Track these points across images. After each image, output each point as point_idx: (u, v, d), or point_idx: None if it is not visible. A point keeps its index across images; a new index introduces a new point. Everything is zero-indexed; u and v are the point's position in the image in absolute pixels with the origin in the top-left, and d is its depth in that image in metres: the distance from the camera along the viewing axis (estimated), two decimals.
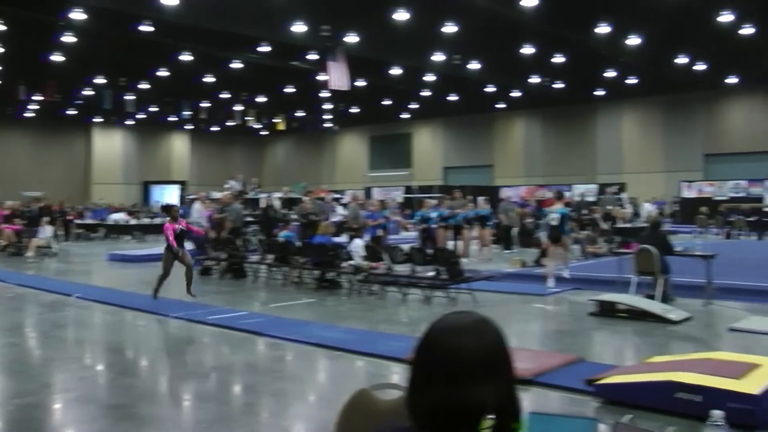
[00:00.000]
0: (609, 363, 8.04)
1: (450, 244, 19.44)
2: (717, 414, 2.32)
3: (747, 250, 23.45)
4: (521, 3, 21.80)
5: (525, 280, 15.94)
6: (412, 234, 22.97)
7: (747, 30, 25.66)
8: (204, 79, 34.23)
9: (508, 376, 1.60)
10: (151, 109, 43.21)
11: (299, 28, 24.30)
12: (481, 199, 23.89)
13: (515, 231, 22.47)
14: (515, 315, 12.01)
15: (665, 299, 11.97)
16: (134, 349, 9.75)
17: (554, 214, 15.25)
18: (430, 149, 51.04)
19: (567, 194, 31.80)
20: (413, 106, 44.52)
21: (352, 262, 14.61)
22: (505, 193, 36.86)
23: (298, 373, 8.37)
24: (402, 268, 14.31)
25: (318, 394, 7.43)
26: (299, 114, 47.44)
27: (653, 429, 5.76)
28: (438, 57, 29.26)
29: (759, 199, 34.68)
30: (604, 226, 22.17)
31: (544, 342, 10.13)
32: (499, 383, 1.56)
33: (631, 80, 35.55)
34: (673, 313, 10.98)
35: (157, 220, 36.17)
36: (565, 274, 15.43)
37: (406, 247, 15.46)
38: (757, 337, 9.89)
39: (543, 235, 18.36)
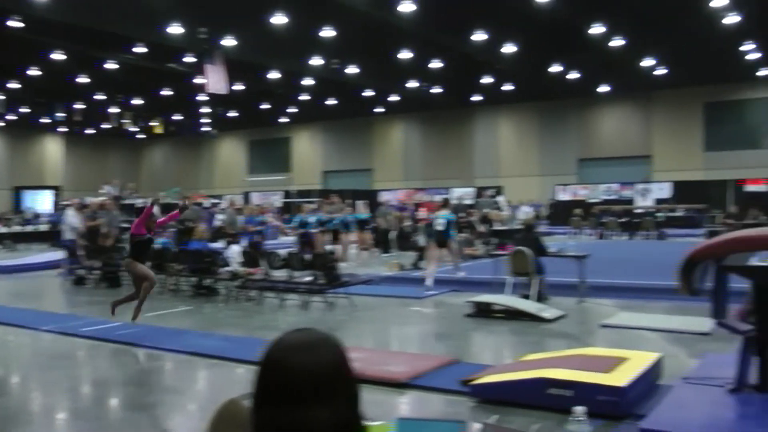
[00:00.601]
0: (485, 363, 8.14)
1: (328, 249, 19.40)
2: (579, 410, 2.35)
3: (618, 249, 24.29)
4: (399, 8, 21.98)
5: (403, 283, 16.02)
6: (291, 239, 22.77)
7: (617, 42, 26.70)
8: (78, 80, 32.95)
9: (350, 395, 1.55)
10: (22, 110, 41.43)
11: (176, 29, 23.80)
12: (360, 203, 23.95)
13: (393, 235, 22.60)
14: (393, 318, 12.06)
15: (540, 299, 12.26)
16: (3, 367, 9.25)
17: (440, 219, 15.51)
18: (309, 153, 50.90)
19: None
20: (292, 110, 44.31)
21: (229, 268, 14.37)
22: (384, 196, 37.17)
23: (175, 384, 8.15)
24: (280, 274, 14.15)
25: (197, 405, 7.23)
26: (177, 117, 46.40)
27: (525, 425, 5.88)
28: (316, 61, 29.20)
29: (630, 201, 36.29)
30: (481, 228, 22.56)
31: (421, 344, 10.19)
32: (339, 403, 1.50)
33: (508, 87, 36.38)
34: (547, 311, 11.24)
35: (29, 228, 34.83)
36: (460, 274, 15.69)
37: (283, 252, 15.32)
38: (626, 331, 10.24)
39: (422, 239, 18.58)
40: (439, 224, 15.48)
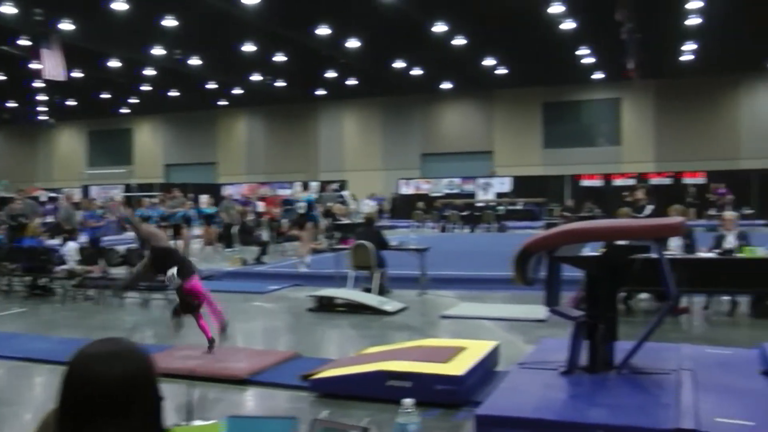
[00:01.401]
0: (326, 357, 8.12)
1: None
2: (407, 402, 2.33)
3: (460, 242, 24.89)
4: (242, 0, 21.66)
5: (246, 278, 15.81)
6: (131, 234, 22.01)
7: (459, 41, 27.31)
8: None
9: (148, 409, 1.45)
10: None
11: (8, 9, 22.36)
12: (204, 197, 23.45)
13: (236, 229, 22.26)
14: (236, 314, 11.78)
15: (382, 292, 12.33)
16: None
17: (301, 202, 15.87)
18: (151, 146, 49.41)
19: (288, 192, 32.03)
20: (134, 100, 42.83)
21: (65, 266, 13.73)
22: (227, 190, 36.56)
23: (9, 394, 7.53)
24: (119, 271, 13.67)
25: (32, 414, 6.72)
26: (11, 105, 43.96)
27: (362, 419, 5.86)
28: (158, 51, 28.36)
29: (471, 195, 37.25)
30: (325, 222, 22.55)
31: (263, 340, 10.07)
32: (135, 418, 1.41)
33: (352, 81, 36.55)
34: (388, 304, 11.33)
35: None
36: (303, 269, 15.68)
37: (122, 248, 14.81)
38: (465, 321, 10.48)
39: (265, 234, 18.46)
40: (301, 207, 15.84)
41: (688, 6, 23.66)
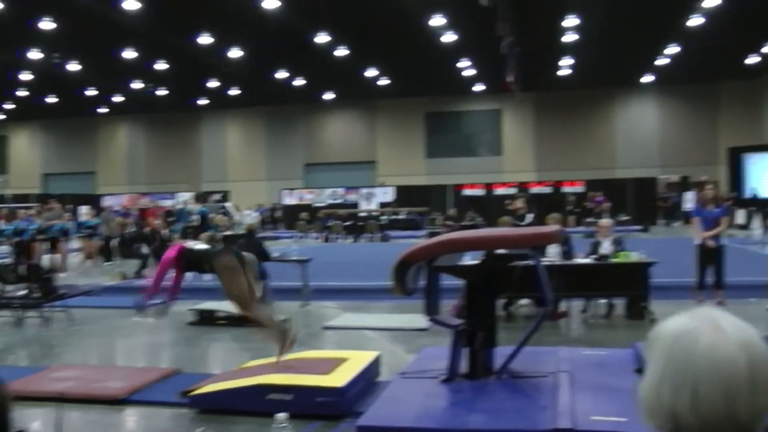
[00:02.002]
0: (208, 372, 7.98)
1: (46, 258, 18.29)
2: (280, 417, 2.29)
3: (343, 252, 24.89)
4: (123, 5, 21.12)
5: (126, 293, 15.30)
6: (3, 249, 21.12)
7: (341, 51, 27.38)
8: None
9: None
10: None
11: None
12: (84, 208, 22.72)
13: (115, 242, 21.64)
14: (115, 331, 11.50)
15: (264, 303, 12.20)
16: None
17: (194, 215, 15.61)
18: (28, 154, 47.48)
19: (170, 203, 31.44)
20: (9, 106, 41.06)
21: None
22: (107, 201, 35.56)
23: None
24: None
25: None
26: None
27: None
28: (35, 54, 27.27)
29: (354, 205, 37.31)
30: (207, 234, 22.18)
31: (143, 357, 9.81)
32: None
33: (234, 91, 36.17)
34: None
35: None
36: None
37: None
38: (348, 332, 10.49)
39: (145, 247, 18.04)
40: (195, 219, 15.61)
41: (565, 23, 24.48)
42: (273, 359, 7.23)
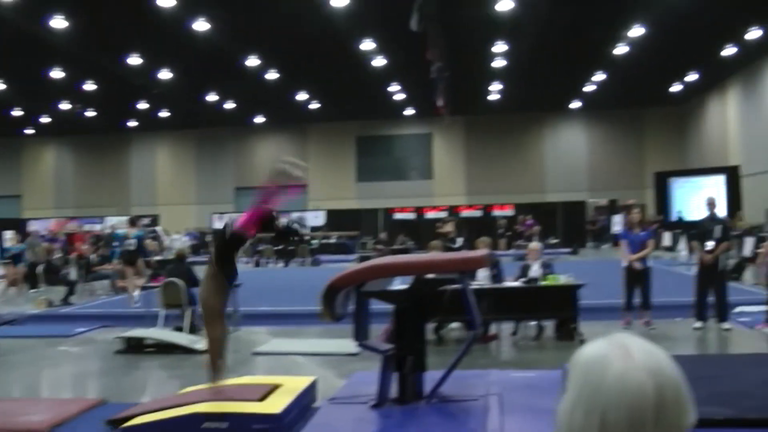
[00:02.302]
0: (136, 401, 7.81)
1: None
2: None
3: (273, 276, 24.74)
4: (51, 23, 20.77)
5: (51, 321, 14.97)
6: None
7: (272, 75, 27.37)
8: None
9: None
10: None
11: None
12: (8, 233, 22.13)
13: (41, 268, 21.09)
14: (39, 361, 11.18)
15: (193, 330, 12.02)
16: None
17: (131, 239, 15.62)
18: None
19: (98, 227, 30.86)
20: None
21: None
22: (33, 226, 34.73)
23: None
24: None
25: None
26: None
27: None
28: None
29: None
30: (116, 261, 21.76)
31: (69, 388, 9.56)
32: None
33: (164, 113, 35.82)
34: (200, 343, 11.02)
35: None
36: (136, 304, 15.17)
37: None
38: (278, 358, 10.41)
39: (73, 272, 17.73)
40: (131, 243, 15.66)
41: (494, 49, 24.89)
42: (206, 386, 7.12)
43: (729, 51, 25.74)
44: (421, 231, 32.05)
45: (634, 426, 1.24)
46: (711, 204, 12.11)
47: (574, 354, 1.37)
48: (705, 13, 21.05)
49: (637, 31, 22.80)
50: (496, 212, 36.27)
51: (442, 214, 33.19)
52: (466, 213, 35.71)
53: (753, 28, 23.25)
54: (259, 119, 38.83)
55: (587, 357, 1.34)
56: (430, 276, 7.01)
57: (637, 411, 1.24)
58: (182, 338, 11.22)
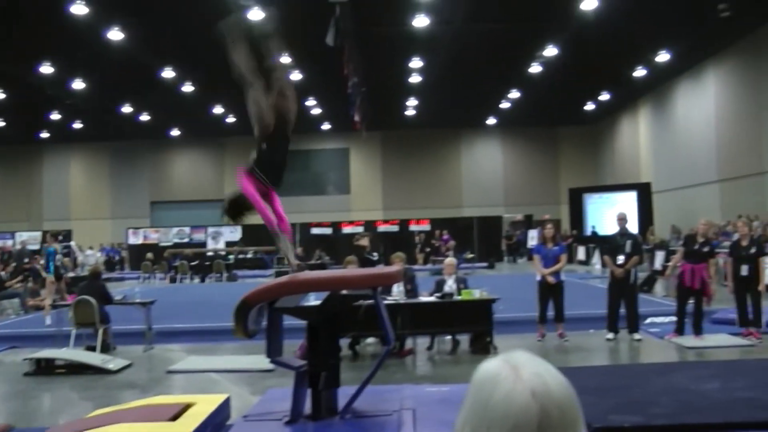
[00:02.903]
0: (44, 426, 7.59)
1: None
2: None
3: (189, 293, 24.38)
4: None
5: None
6: None
7: (188, 87, 27.07)
8: None
9: None
10: None
11: None
12: None
13: None
14: None
15: (106, 349, 11.79)
16: None
17: (59, 255, 15.75)
18: None
19: (9, 242, 30.05)
20: None
21: None
22: None
23: None
24: None
25: None
26: None
27: None
28: None
29: (202, 245, 36.66)
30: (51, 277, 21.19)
31: None
32: None
33: (78, 124, 35.06)
34: (112, 362, 10.85)
35: None
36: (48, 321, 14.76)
37: None
38: (194, 376, 10.28)
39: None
40: (59, 260, 16.15)
41: (411, 65, 25.14)
42: (117, 407, 6.98)
43: (640, 72, 26.65)
44: (338, 246, 32.05)
45: None
46: (622, 219, 12.51)
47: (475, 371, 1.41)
48: (617, 36, 21.72)
49: (551, 51, 23.33)
50: (413, 227, 36.45)
51: (360, 229, 33.23)
52: (383, 228, 35.79)
53: (662, 51, 24.18)
54: (176, 132, 38.35)
55: (481, 374, 1.37)
56: (344, 291, 7.02)
57: (520, 431, 1.27)
58: (94, 358, 10.96)
